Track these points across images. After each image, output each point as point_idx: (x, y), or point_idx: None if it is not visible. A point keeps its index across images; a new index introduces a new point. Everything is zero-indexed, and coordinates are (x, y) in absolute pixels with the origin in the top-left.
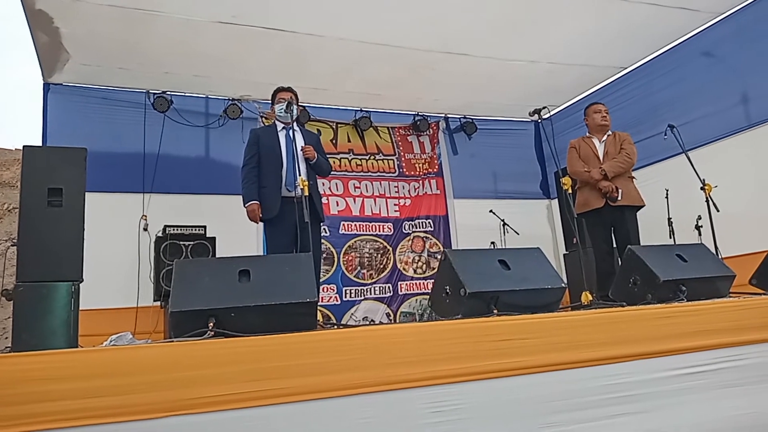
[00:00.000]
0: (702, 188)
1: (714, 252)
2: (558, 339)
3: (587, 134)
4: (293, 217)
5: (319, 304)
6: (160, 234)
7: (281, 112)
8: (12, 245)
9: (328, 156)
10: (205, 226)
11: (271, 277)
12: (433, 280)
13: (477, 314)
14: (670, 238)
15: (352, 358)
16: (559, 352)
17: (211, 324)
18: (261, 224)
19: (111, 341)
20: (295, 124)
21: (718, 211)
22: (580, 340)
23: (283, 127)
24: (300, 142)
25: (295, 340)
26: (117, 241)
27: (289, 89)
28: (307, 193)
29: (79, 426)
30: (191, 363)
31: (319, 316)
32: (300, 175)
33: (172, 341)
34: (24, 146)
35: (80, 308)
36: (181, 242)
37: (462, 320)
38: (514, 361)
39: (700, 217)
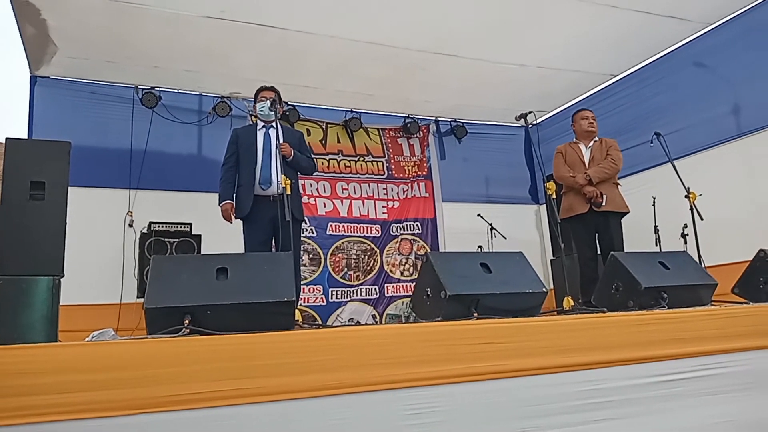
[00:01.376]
0: (686, 196)
1: (697, 260)
2: (538, 343)
3: (574, 140)
4: (268, 215)
5: (304, 304)
6: (145, 230)
7: (263, 110)
8: None
9: (317, 156)
10: (190, 224)
11: (249, 276)
12: None
13: (457, 317)
14: (656, 245)
15: (329, 359)
16: (539, 356)
17: (187, 321)
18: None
19: (93, 337)
20: (277, 122)
21: (702, 219)
22: (560, 344)
23: (263, 126)
24: (280, 139)
25: (271, 339)
26: (102, 236)
27: (272, 88)
28: (289, 192)
29: (49, 421)
30: (165, 360)
31: (299, 316)
32: (280, 172)
33: (146, 338)
34: (6, 139)
35: (63, 303)
36: (166, 239)
37: (442, 322)
38: (493, 364)
39: (686, 226)
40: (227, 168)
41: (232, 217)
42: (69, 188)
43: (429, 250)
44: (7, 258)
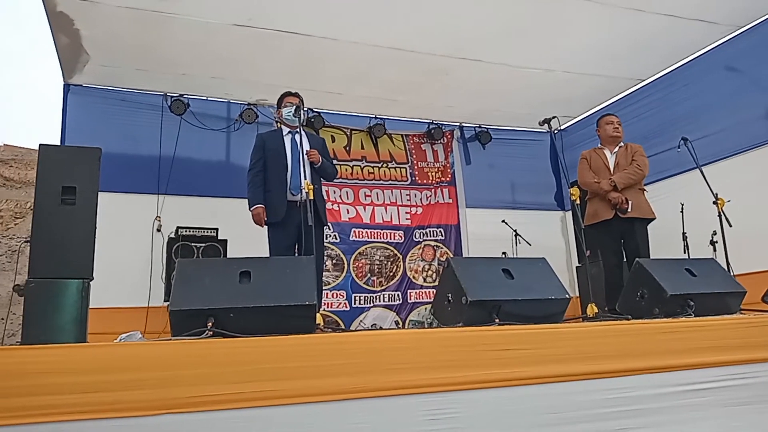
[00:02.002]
0: (714, 202)
1: (726, 268)
2: (559, 350)
3: (599, 145)
4: (296, 221)
5: (328, 309)
6: (172, 235)
7: (289, 116)
8: (25, 242)
9: (341, 163)
10: (217, 229)
11: (272, 279)
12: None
13: (478, 323)
14: (685, 252)
15: (349, 363)
16: (560, 363)
17: (210, 324)
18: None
19: (120, 340)
20: (301, 128)
21: (730, 226)
22: (582, 352)
23: (289, 131)
24: (306, 146)
25: (292, 342)
26: (131, 241)
27: (296, 94)
28: (312, 197)
29: (75, 420)
30: (187, 362)
31: (320, 320)
32: (306, 178)
33: (170, 340)
34: (40, 145)
35: (92, 306)
36: (193, 244)
37: (462, 328)
38: (513, 371)
39: (715, 233)
40: (255, 172)
41: (264, 221)
42: (99, 193)
43: (452, 257)
44: (39, 261)
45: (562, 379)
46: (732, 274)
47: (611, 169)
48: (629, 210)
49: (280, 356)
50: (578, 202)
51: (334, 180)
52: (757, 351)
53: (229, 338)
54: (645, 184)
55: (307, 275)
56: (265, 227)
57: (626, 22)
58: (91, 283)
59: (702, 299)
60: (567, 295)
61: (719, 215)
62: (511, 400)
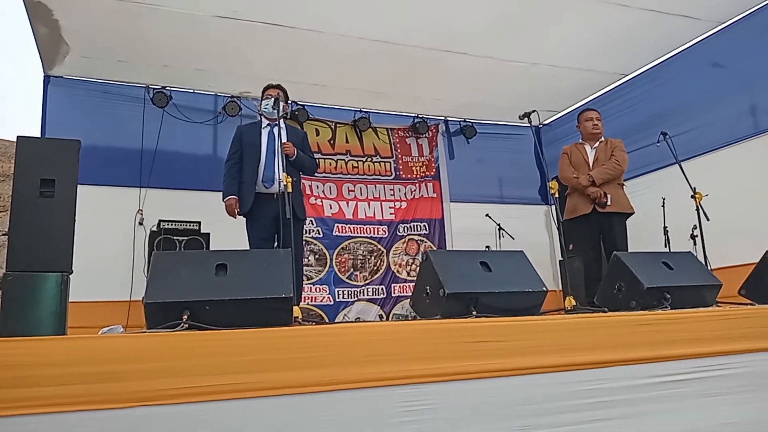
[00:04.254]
0: (692, 196)
1: (703, 261)
2: (536, 342)
3: (580, 140)
4: (270, 213)
5: (311, 303)
6: (154, 228)
7: (267, 108)
8: (2, 234)
9: (325, 157)
10: (199, 222)
11: (248, 272)
12: None
13: (456, 315)
14: (665, 247)
15: (324, 355)
16: (537, 355)
17: (186, 316)
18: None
19: (102, 333)
20: (281, 121)
21: (708, 219)
22: (559, 344)
23: (268, 124)
24: (282, 139)
25: (267, 335)
26: (113, 234)
27: (278, 86)
28: (290, 190)
29: (53, 413)
30: (163, 354)
31: (298, 313)
32: (283, 170)
33: (144, 332)
34: (18, 137)
35: (73, 300)
36: (175, 237)
37: (439, 320)
38: (490, 363)
39: (695, 227)
40: (231, 164)
41: (236, 212)
42: (81, 186)
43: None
44: (17, 254)
45: (539, 371)
46: (710, 267)
47: (590, 165)
48: (609, 204)
49: (257, 348)
50: (557, 195)
51: (318, 174)
52: (733, 342)
53: (204, 331)
54: (627, 179)
55: (283, 268)
56: (244, 220)
57: (611, 17)
58: (71, 276)
59: (678, 292)
60: (544, 288)
61: (697, 209)
62: (487, 391)
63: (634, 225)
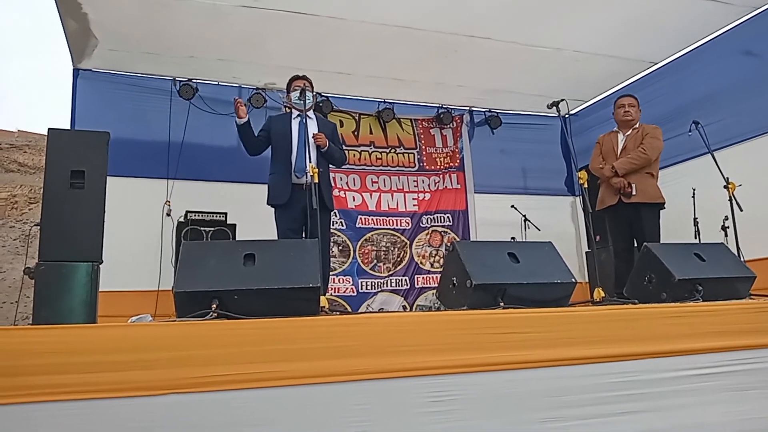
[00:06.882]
0: (725, 187)
1: (736, 253)
2: (564, 334)
3: (615, 129)
4: (301, 204)
5: (335, 294)
6: (181, 219)
7: (295, 100)
8: (35, 225)
9: (349, 148)
10: (226, 213)
11: (276, 262)
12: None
13: (483, 306)
14: (696, 238)
15: (351, 345)
16: (565, 347)
17: (214, 306)
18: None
19: (131, 322)
20: (311, 112)
21: (741, 210)
22: (587, 336)
23: (298, 115)
24: (313, 129)
25: (295, 324)
26: (141, 225)
27: (304, 77)
28: (317, 180)
29: (84, 399)
30: (191, 343)
31: (325, 303)
32: (310, 161)
33: (174, 321)
34: (49, 129)
35: (102, 289)
36: (202, 228)
37: (466, 311)
38: (517, 354)
39: (726, 218)
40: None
41: (244, 110)
42: (110, 178)
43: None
44: (49, 244)
45: (567, 363)
46: (742, 259)
47: (618, 154)
48: (634, 194)
49: (282, 338)
50: (586, 186)
51: (342, 166)
52: (765, 336)
53: (232, 320)
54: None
55: (311, 258)
56: (272, 211)
57: (638, 1)
58: (101, 266)
59: (710, 284)
60: (573, 279)
61: (730, 199)
62: (514, 383)
63: (664, 217)
